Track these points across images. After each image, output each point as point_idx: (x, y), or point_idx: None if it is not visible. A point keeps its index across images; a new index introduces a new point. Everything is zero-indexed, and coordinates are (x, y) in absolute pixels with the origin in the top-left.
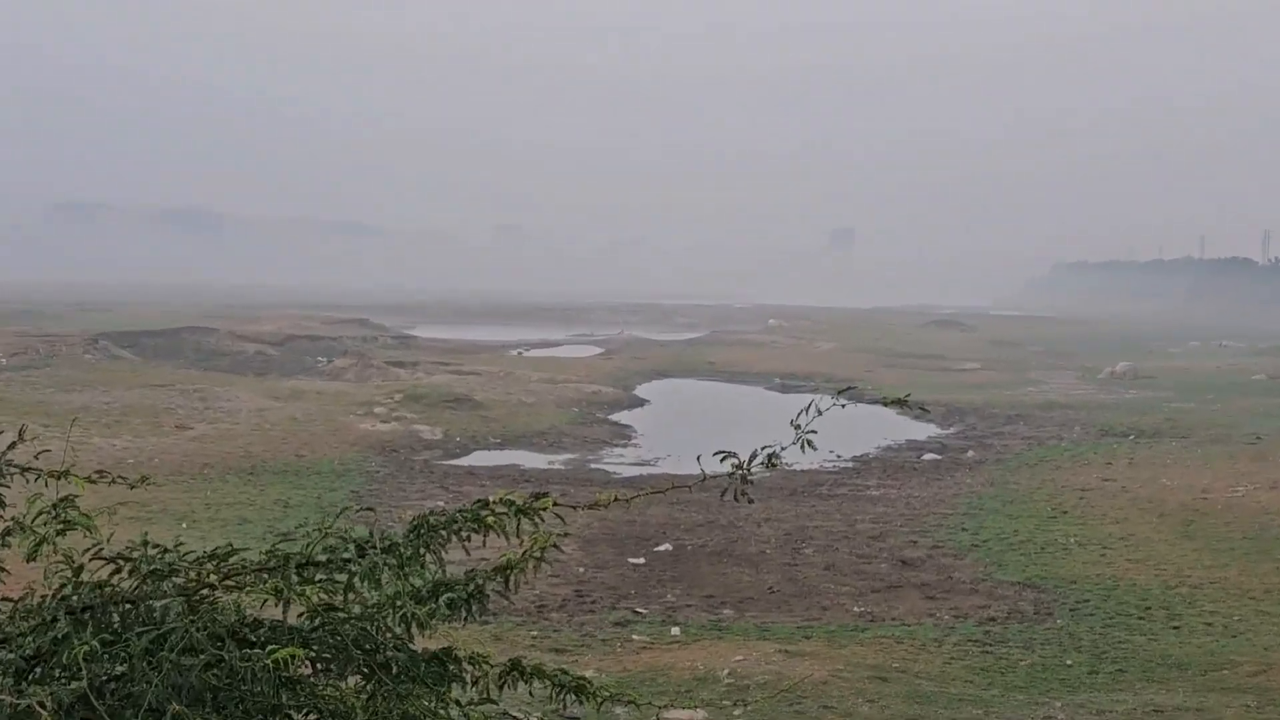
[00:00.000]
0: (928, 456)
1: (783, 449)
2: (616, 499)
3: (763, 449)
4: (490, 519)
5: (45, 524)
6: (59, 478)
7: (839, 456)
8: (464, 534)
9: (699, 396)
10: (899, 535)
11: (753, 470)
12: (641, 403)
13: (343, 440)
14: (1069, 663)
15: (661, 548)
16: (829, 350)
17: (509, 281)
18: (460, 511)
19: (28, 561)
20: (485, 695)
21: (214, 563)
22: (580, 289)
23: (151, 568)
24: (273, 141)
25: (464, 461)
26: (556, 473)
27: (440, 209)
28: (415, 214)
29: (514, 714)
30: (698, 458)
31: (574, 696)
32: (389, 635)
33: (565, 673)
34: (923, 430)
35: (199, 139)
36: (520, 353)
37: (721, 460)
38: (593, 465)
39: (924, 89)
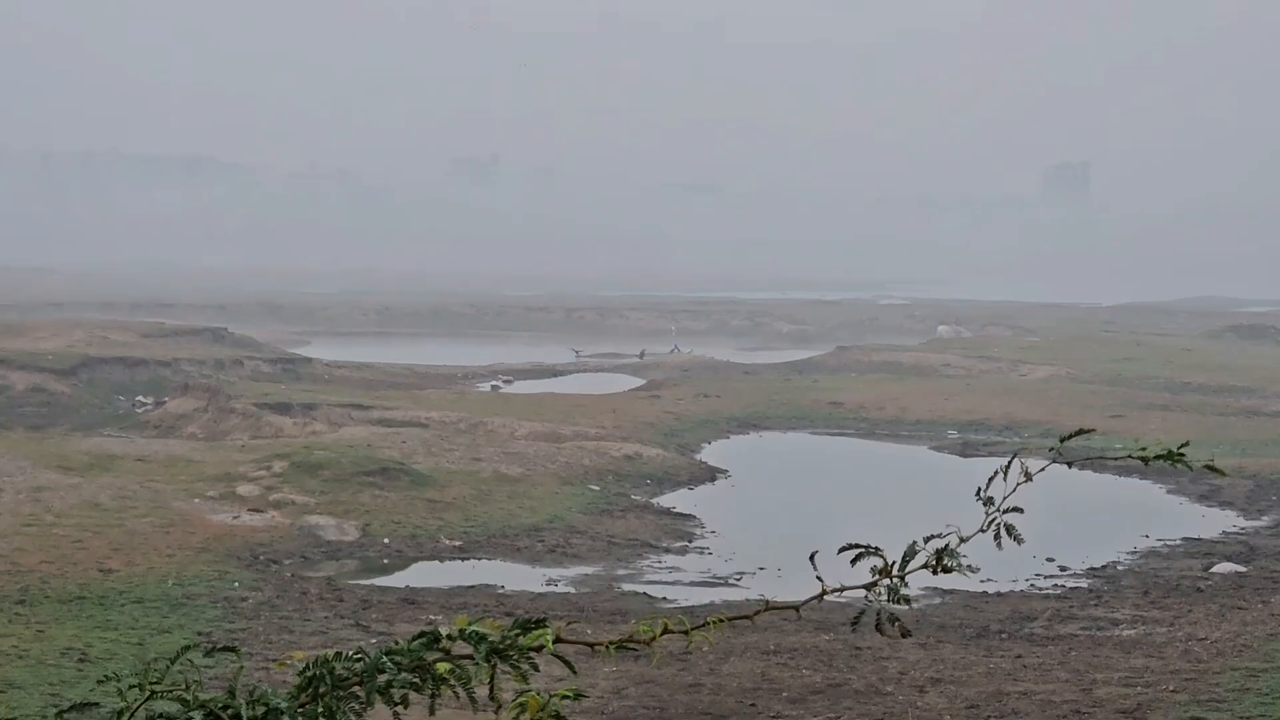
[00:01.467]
0: (1222, 567)
1: (962, 541)
2: (667, 630)
3: (926, 540)
4: (443, 666)
5: None
6: None
7: (1063, 568)
8: (396, 693)
9: (814, 464)
10: (1173, 709)
11: (908, 581)
12: (712, 475)
13: (183, 543)
14: None
15: None
16: (1045, 380)
17: (477, 257)
18: (390, 654)
19: None
20: None
21: None
22: (606, 270)
23: None
24: (52, 53)
25: (397, 580)
26: (563, 600)
27: (345, 134)
28: (301, 143)
29: None
30: (811, 557)
31: None
32: None
33: None
34: (1212, 520)
35: None
36: (497, 387)
37: (853, 562)
38: (626, 586)
39: None
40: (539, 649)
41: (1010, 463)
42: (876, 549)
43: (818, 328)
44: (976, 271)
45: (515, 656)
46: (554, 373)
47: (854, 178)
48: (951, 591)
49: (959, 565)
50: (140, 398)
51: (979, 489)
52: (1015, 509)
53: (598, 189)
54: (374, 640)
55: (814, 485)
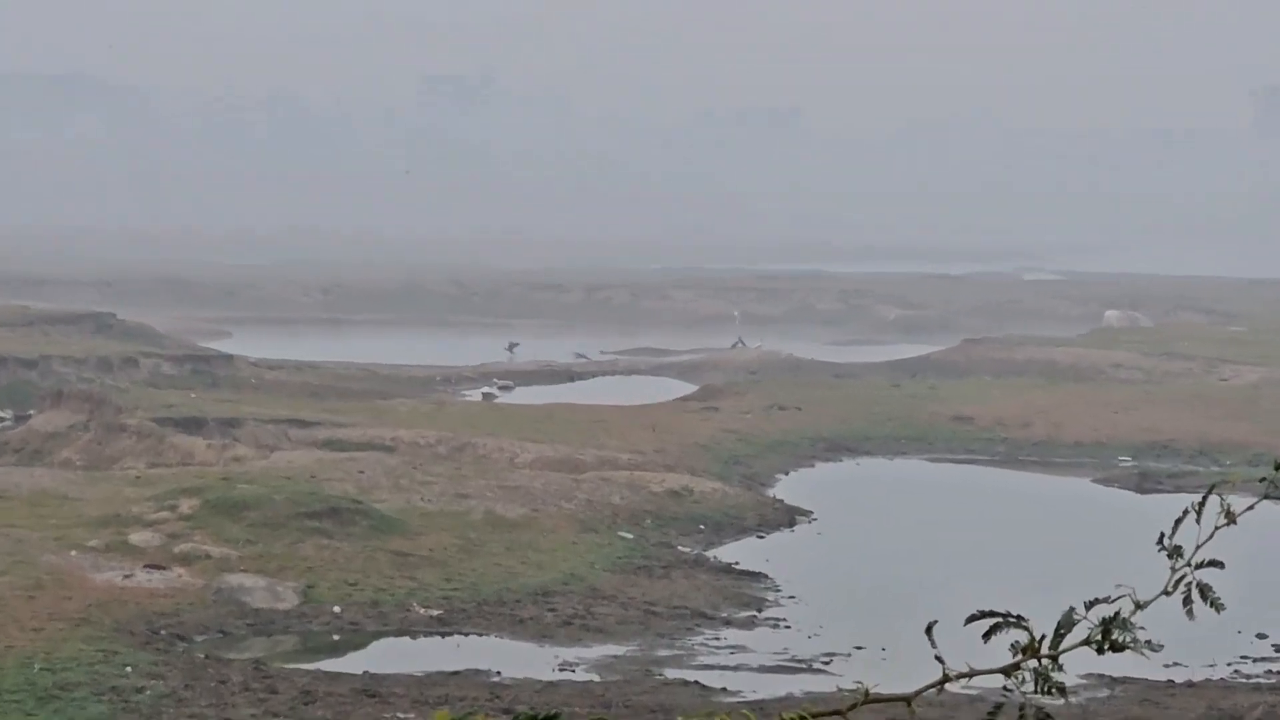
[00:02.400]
0: None
1: (1139, 607)
2: None
3: (1089, 607)
4: None
5: None
6: None
7: (1279, 648)
8: None
9: (931, 502)
10: None
11: (1063, 664)
12: (790, 518)
13: (55, 612)
14: None
15: None
16: (1253, 386)
17: (462, 215)
18: None
19: None
20: None
21: None
22: (642, 233)
23: None
24: None
25: (352, 662)
26: (582, 692)
27: (276, 45)
28: (215, 57)
29: None
30: (928, 630)
31: None
32: None
33: None
34: None
35: None
36: (491, 395)
37: (986, 636)
38: (670, 672)
39: None
40: None
41: (1205, 499)
42: (1019, 619)
43: (938, 313)
44: (1158, 235)
45: None
46: (570, 375)
47: (986, 106)
48: (1124, 680)
49: (1134, 642)
50: None
51: (1162, 535)
52: (1212, 563)
53: (627, 120)
54: None
55: (931, 532)
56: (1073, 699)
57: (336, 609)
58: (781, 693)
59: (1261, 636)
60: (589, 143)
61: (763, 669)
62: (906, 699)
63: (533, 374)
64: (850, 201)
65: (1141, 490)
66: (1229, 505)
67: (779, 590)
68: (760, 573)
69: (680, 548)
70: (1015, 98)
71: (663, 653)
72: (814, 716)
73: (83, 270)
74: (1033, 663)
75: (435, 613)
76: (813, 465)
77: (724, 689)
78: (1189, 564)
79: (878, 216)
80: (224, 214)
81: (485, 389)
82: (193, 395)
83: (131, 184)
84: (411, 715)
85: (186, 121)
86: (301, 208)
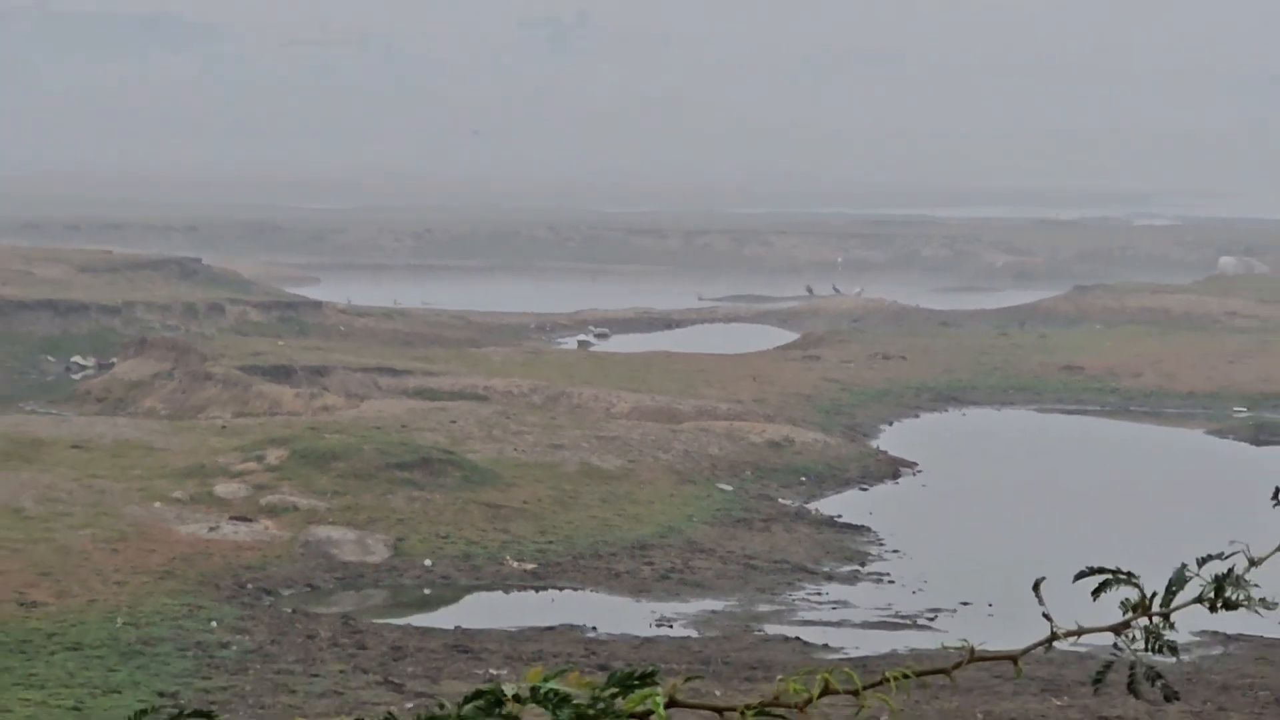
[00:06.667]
0: None
1: (1254, 564)
2: (829, 691)
3: (1201, 564)
4: None
5: None
6: None
7: None
8: None
9: (1038, 454)
10: None
11: (1174, 623)
12: (893, 470)
13: (138, 565)
14: None
15: None
16: None
17: (556, 158)
18: None
19: None
20: None
21: None
22: (742, 178)
23: None
24: None
25: (443, 618)
26: (679, 647)
27: None
28: (305, 1)
29: None
30: (1035, 586)
31: None
32: None
33: None
34: None
35: None
36: (587, 343)
37: (1095, 594)
38: (770, 627)
39: None
40: (645, 716)
41: None
42: (1129, 575)
43: (1046, 260)
44: (1275, 178)
45: None
46: (668, 323)
47: (1094, 40)
48: (1238, 638)
49: (1248, 599)
50: (77, 358)
51: (1277, 490)
52: None
53: (727, 61)
54: (410, 704)
55: (1039, 485)
56: (1184, 657)
57: (427, 562)
58: (885, 649)
59: None
60: (687, 83)
61: (865, 625)
62: (1013, 657)
63: (630, 321)
64: (956, 144)
65: (1257, 442)
66: None
67: (882, 544)
68: (863, 526)
69: (781, 500)
70: (1128, 36)
71: (763, 608)
72: (918, 674)
73: (168, 215)
74: (1143, 621)
75: (529, 566)
76: (917, 416)
77: (825, 645)
78: None
79: (985, 160)
80: (312, 158)
81: (581, 337)
82: (280, 343)
83: (218, 126)
84: (504, 671)
85: (275, 62)
86: (390, 152)
